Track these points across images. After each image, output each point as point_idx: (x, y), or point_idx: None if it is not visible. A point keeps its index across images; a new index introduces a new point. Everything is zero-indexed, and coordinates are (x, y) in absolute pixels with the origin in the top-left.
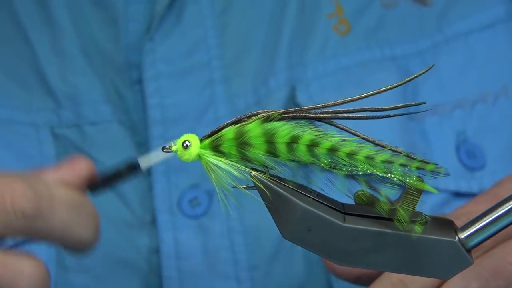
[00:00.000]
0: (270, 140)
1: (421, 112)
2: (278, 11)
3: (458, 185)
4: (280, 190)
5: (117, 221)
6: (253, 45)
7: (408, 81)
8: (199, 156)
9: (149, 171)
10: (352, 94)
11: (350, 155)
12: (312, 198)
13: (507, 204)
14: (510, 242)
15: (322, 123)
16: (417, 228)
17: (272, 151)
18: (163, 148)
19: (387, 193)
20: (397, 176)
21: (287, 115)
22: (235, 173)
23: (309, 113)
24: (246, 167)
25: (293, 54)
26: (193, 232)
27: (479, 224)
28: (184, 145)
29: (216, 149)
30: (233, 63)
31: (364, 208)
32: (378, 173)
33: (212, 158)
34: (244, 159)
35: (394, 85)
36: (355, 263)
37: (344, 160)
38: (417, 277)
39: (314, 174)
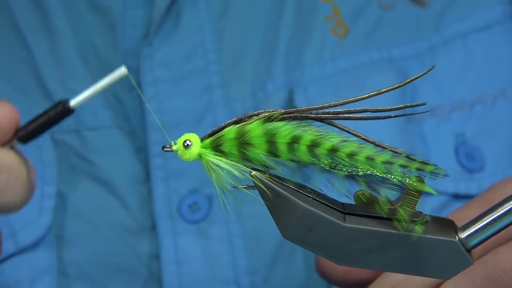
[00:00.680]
0: (271, 140)
1: (421, 113)
2: (275, 15)
3: (457, 187)
4: (280, 190)
5: (117, 228)
6: (251, 49)
7: (410, 81)
8: (200, 156)
9: (148, 177)
10: (351, 97)
11: (351, 155)
12: (312, 198)
13: (507, 204)
14: (502, 248)
15: (323, 124)
16: (417, 228)
17: (272, 151)
18: (163, 148)
19: (387, 193)
20: (397, 177)
21: (288, 115)
22: (236, 172)
23: (310, 114)
24: (247, 166)
25: (291, 58)
26: (193, 237)
27: (479, 224)
28: (185, 144)
29: (216, 148)
30: (231, 68)
31: (365, 208)
32: (378, 173)
33: (212, 158)
34: (245, 158)
35: (395, 86)
36: (355, 263)
37: (345, 161)
38: (412, 280)
39: (314, 175)
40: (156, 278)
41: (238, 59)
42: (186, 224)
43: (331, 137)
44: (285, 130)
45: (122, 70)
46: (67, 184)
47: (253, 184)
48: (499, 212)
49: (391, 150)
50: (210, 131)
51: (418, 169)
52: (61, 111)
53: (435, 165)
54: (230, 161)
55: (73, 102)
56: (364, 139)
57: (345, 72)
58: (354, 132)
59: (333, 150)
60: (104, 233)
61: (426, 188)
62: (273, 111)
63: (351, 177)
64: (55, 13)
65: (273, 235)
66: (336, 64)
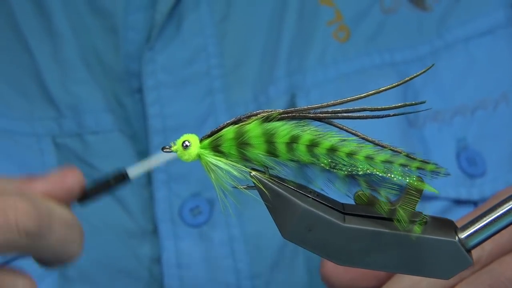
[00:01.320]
0: (269, 140)
1: (419, 111)
2: (277, 19)
3: (459, 193)
4: (280, 190)
5: (119, 231)
6: (253, 53)
7: (408, 80)
8: (199, 156)
9: (149, 181)
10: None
11: (350, 155)
12: (312, 198)
13: (507, 204)
14: (507, 257)
15: (322, 123)
16: (417, 228)
17: (272, 151)
18: (163, 148)
19: (387, 193)
20: (397, 176)
21: (286, 115)
22: (235, 173)
23: (309, 113)
24: (246, 167)
25: (293, 62)
26: (194, 241)
27: (479, 224)
28: (184, 145)
29: (216, 149)
30: (233, 72)
31: (364, 208)
32: (378, 173)
33: (212, 158)
34: (244, 159)
35: (394, 84)
36: (355, 263)
37: (344, 160)
38: (418, 286)
39: (314, 174)
40: (157, 282)
41: (240, 63)
42: (188, 228)
43: (330, 137)
44: (283, 130)
45: (173, 154)
46: None
47: (253, 185)
48: (498, 212)
49: (390, 149)
50: (209, 132)
51: (418, 168)
52: (120, 180)
53: (436, 164)
54: (229, 162)
55: (131, 173)
56: (363, 138)
57: (347, 76)
58: (353, 131)
59: (332, 150)
60: (106, 236)
61: (427, 187)
62: (271, 111)
63: (351, 176)
64: (57, 17)
65: (275, 239)
66: (338, 68)
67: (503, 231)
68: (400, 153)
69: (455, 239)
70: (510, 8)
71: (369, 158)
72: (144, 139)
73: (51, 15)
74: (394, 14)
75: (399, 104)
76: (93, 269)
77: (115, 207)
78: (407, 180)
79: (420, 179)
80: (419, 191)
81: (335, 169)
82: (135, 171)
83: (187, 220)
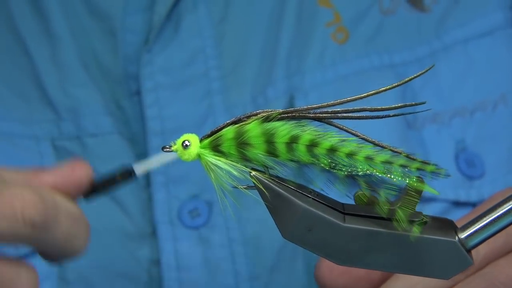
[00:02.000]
0: (269, 140)
1: (418, 112)
2: (275, 20)
3: (457, 194)
4: (280, 190)
5: (118, 233)
6: (251, 54)
7: (408, 80)
8: (199, 156)
9: (148, 183)
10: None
11: (350, 155)
12: (312, 198)
13: (507, 204)
14: (502, 260)
15: (322, 123)
16: (417, 228)
17: (271, 151)
18: (163, 148)
19: (387, 193)
20: (396, 177)
21: (286, 115)
22: (235, 173)
23: (309, 113)
24: (246, 167)
25: (291, 63)
26: (193, 243)
27: (479, 224)
28: (184, 144)
29: (215, 149)
30: (231, 73)
31: (364, 208)
32: (377, 173)
33: (211, 158)
34: (244, 159)
35: (394, 84)
36: (355, 263)
37: (344, 161)
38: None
39: (313, 174)
40: (156, 284)
41: (239, 65)
42: (187, 230)
43: (330, 137)
44: (283, 130)
45: (173, 155)
46: None
47: (253, 185)
48: (498, 212)
49: (390, 150)
50: (209, 132)
51: (418, 168)
52: (127, 178)
53: (435, 165)
54: (229, 161)
55: (137, 170)
56: (363, 139)
57: (345, 77)
58: (353, 132)
59: (332, 150)
60: (105, 239)
61: (427, 188)
62: (271, 111)
63: (351, 177)
64: (55, 20)
65: (274, 241)
66: (337, 69)
67: (497, 234)
68: (400, 153)
69: (455, 239)
70: (509, 10)
71: (369, 158)
72: (143, 141)
73: (49, 18)
74: (393, 16)
75: (399, 105)
76: (92, 271)
77: (114, 210)
78: (407, 181)
79: (420, 179)
80: (419, 192)
81: (335, 169)
82: (141, 168)
83: (186, 222)
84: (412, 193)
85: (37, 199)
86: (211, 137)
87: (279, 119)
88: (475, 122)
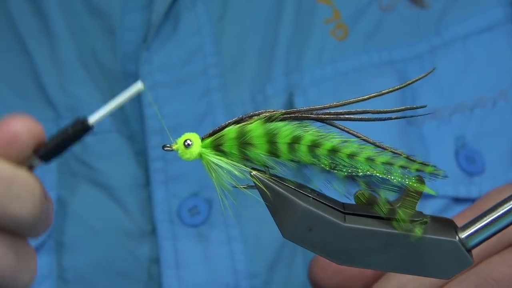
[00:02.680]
0: (271, 140)
1: (420, 115)
2: (274, 17)
3: (457, 191)
4: (281, 190)
5: (117, 232)
6: (250, 52)
7: (411, 83)
8: (200, 155)
9: (148, 181)
10: (351, 99)
11: (351, 156)
12: (313, 198)
13: (507, 204)
14: (495, 257)
15: (324, 124)
16: (417, 228)
17: (273, 151)
18: (163, 147)
19: (387, 194)
20: (396, 178)
21: (289, 116)
22: (236, 172)
23: (311, 114)
24: (247, 166)
25: (290, 60)
26: (192, 241)
27: (479, 224)
28: (186, 144)
29: (217, 148)
30: (230, 71)
31: (365, 208)
32: (378, 174)
33: (213, 157)
34: (245, 158)
35: (397, 87)
36: (355, 263)
37: (345, 161)
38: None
39: (314, 175)
40: (156, 282)
41: (237, 62)
42: (186, 228)
43: (332, 138)
44: (285, 130)
45: (138, 86)
46: (67, 190)
47: (253, 184)
48: (499, 212)
49: (391, 151)
50: (211, 131)
51: (418, 170)
52: (80, 129)
53: (434, 166)
54: (230, 161)
55: (91, 119)
56: (364, 140)
57: (345, 74)
58: (355, 133)
59: (334, 151)
60: (104, 237)
61: (426, 189)
62: (274, 111)
63: (351, 177)
64: (54, 18)
65: (273, 239)
66: (336, 66)
67: None
68: (400, 155)
69: (455, 239)
70: (508, 6)
71: (369, 159)
72: (142, 140)
73: (49, 17)
74: (392, 12)
75: (401, 108)
76: (92, 271)
77: (113, 208)
78: (407, 182)
79: (420, 180)
80: (419, 192)
81: (336, 169)
82: (96, 116)
83: (185, 220)
84: (412, 193)
85: None
86: (213, 137)
87: (281, 120)
88: (475, 118)
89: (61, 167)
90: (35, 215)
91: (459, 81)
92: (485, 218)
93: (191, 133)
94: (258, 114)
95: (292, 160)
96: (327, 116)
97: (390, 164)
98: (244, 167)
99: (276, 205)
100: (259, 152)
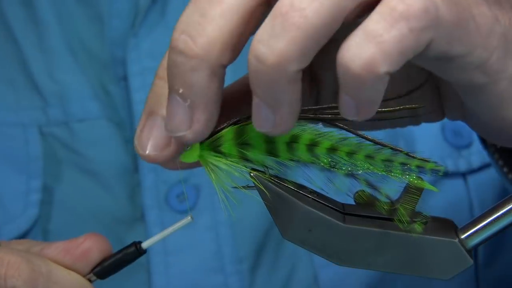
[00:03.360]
0: (269, 139)
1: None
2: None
3: (445, 165)
4: (280, 191)
5: (105, 219)
6: None
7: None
8: (200, 157)
9: (136, 168)
10: None
11: (350, 154)
12: (312, 199)
13: (507, 205)
14: None
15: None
16: (418, 228)
17: (272, 151)
18: None
19: (387, 192)
20: (397, 175)
21: None
22: (236, 173)
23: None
24: (246, 167)
25: None
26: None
27: (479, 224)
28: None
29: (216, 149)
30: None
31: (365, 208)
32: (378, 172)
33: (212, 159)
34: (244, 159)
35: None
36: (355, 264)
37: (344, 159)
38: None
39: (314, 174)
40: (144, 268)
41: None
42: (174, 214)
43: (330, 136)
44: None
45: (188, 219)
46: (53, 177)
47: (253, 185)
48: (499, 212)
49: (391, 148)
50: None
51: (418, 166)
52: (134, 252)
53: (435, 162)
54: (229, 162)
55: (144, 245)
56: (363, 137)
57: None
58: (353, 130)
59: (332, 149)
60: (92, 224)
61: (428, 186)
62: None
63: (351, 175)
64: (42, 5)
65: (260, 223)
66: None
67: None
68: (400, 151)
69: (455, 239)
70: None
71: (369, 157)
72: (130, 126)
73: (36, 4)
74: None
75: (400, 107)
76: None
77: (101, 195)
78: (408, 179)
79: (420, 177)
80: (420, 190)
81: (335, 168)
82: (150, 242)
83: (173, 206)
84: (413, 191)
85: (23, 263)
86: (211, 138)
87: None
88: None
89: (47, 155)
90: None
91: None
92: (485, 219)
93: None
94: None
95: (291, 160)
96: (325, 116)
97: (390, 161)
98: (243, 167)
99: (276, 205)
100: (258, 152)
